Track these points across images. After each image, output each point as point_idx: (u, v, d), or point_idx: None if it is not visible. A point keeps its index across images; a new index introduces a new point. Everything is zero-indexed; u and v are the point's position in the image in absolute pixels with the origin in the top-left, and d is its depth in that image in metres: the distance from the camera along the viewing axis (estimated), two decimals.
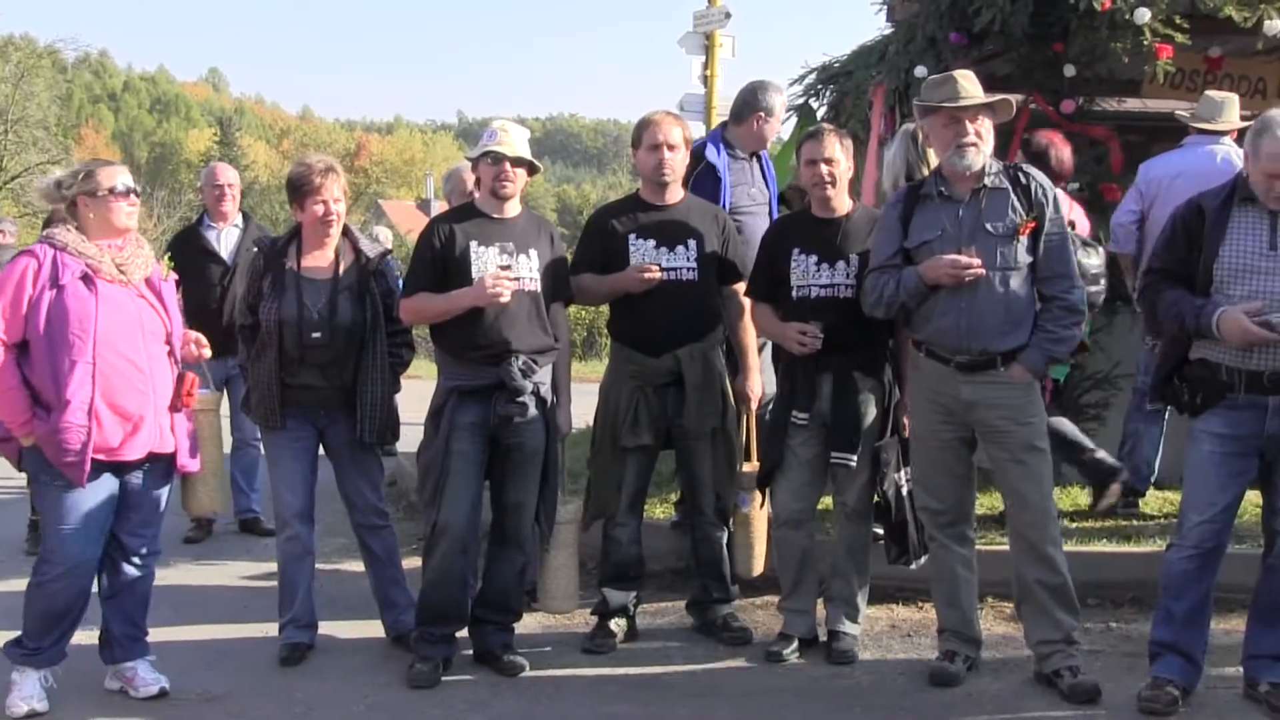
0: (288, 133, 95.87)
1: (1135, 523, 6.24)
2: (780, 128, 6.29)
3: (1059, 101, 7.19)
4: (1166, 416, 6.41)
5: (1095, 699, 4.53)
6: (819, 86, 8.50)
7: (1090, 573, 5.59)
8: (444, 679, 4.85)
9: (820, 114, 8.53)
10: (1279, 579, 4.45)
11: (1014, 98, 5.25)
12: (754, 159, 5.97)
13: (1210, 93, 6.62)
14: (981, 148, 4.65)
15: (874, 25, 9.60)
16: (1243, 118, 6.25)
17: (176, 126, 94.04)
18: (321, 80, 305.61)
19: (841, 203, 5.07)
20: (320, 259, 5.09)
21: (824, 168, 4.98)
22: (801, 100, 8.49)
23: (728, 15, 12.68)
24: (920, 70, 6.92)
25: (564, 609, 5.32)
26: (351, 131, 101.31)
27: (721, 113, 9.77)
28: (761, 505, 5.31)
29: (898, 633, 5.42)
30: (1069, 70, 7.11)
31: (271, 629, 5.24)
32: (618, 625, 5.31)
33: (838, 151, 5.00)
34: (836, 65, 8.49)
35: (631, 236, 5.21)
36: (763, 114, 5.85)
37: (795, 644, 5.12)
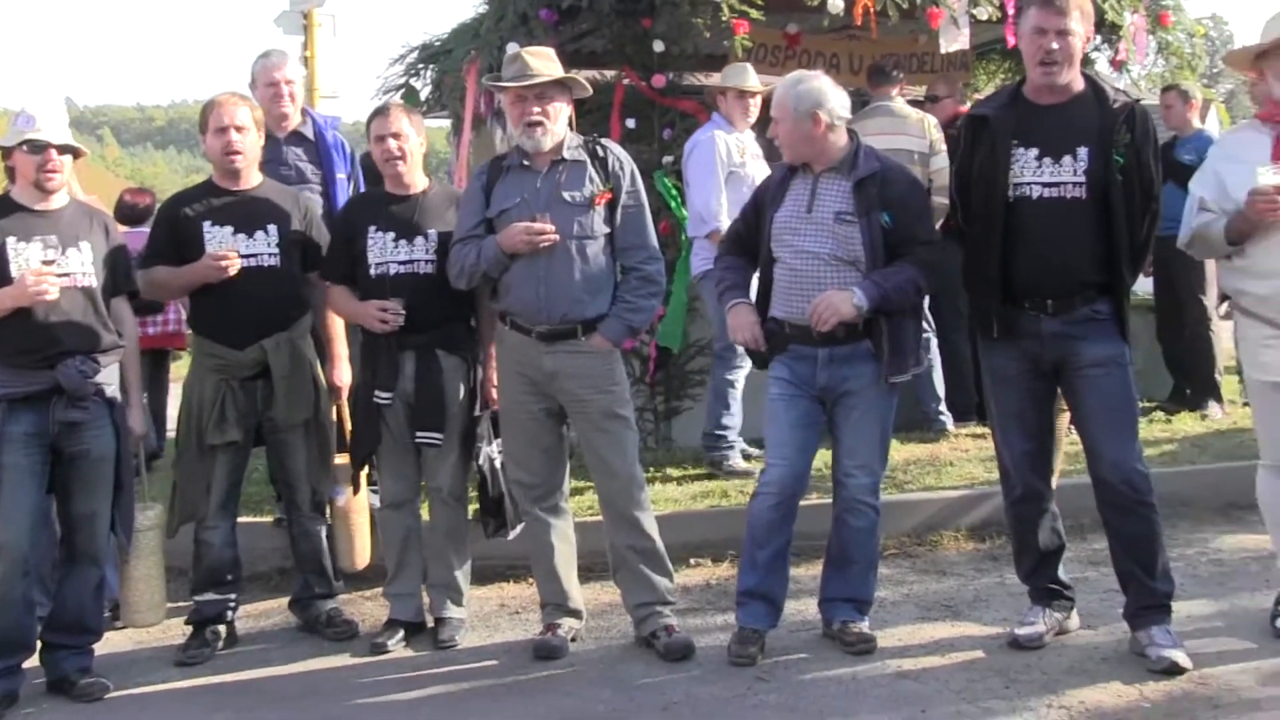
0: None
1: (736, 481, 6.46)
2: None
3: (650, 77, 7.35)
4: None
5: (689, 655, 4.64)
6: (420, 66, 8.38)
7: (692, 533, 5.78)
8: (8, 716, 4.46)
9: (424, 94, 8.43)
10: (846, 528, 4.67)
11: (592, 73, 5.32)
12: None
13: (735, 65, 6.93)
14: (549, 126, 4.67)
15: (473, 2, 9.53)
16: None
17: None
18: None
19: (415, 178, 4.99)
20: None
21: (392, 143, 4.90)
22: (403, 80, 8.36)
23: None
24: (512, 47, 6.91)
25: (150, 621, 5.03)
26: None
27: (324, 94, 9.50)
28: (355, 493, 5.18)
29: (506, 611, 5.40)
30: (658, 46, 7.30)
31: None
32: (214, 632, 5.06)
33: (406, 126, 4.92)
34: (437, 44, 8.40)
35: (206, 224, 4.97)
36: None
37: (401, 632, 5.02)
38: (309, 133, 5.96)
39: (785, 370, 4.61)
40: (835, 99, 4.56)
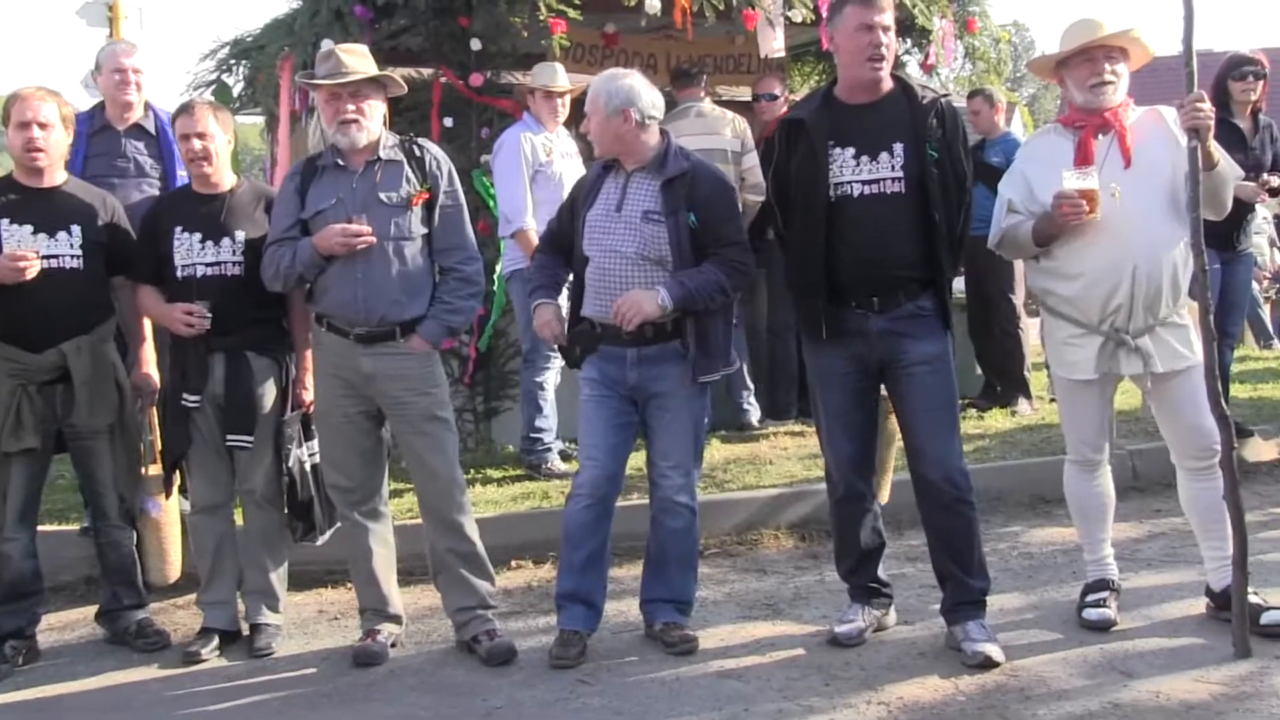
0: None
1: (556, 482, 6.46)
2: None
3: (468, 75, 7.31)
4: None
5: (511, 659, 4.61)
6: (232, 61, 8.17)
7: (513, 535, 5.76)
8: None
9: (237, 90, 8.23)
10: (663, 529, 4.70)
11: (409, 71, 5.26)
12: None
13: (544, 64, 6.96)
14: (364, 124, 4.61)
15: None
16: None
17: None
18: None
19: (223, 178, 4.87)
20: None
21: (197, 143, 4.77)
22: (215, 76, 8.14)
23: None
24: (327, 44, 6.77)
25: None
26: None
27: None
28: (168, 497, 5.02)
29: (325, 617, 5.30)
30: (475, 44, 7.29)
31: None
32: (14, 648, 4.83)
33: (212, 125, 4.80)
34: (249, 39, 8.20)
35: (4, 222, 4.75)
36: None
37: (215, 641, 4.88)
38: (150, 126, 5.78)
39: (595, 371, 4.62)
40: (647, 97, 4.58)
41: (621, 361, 4.58)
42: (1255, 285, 11.62)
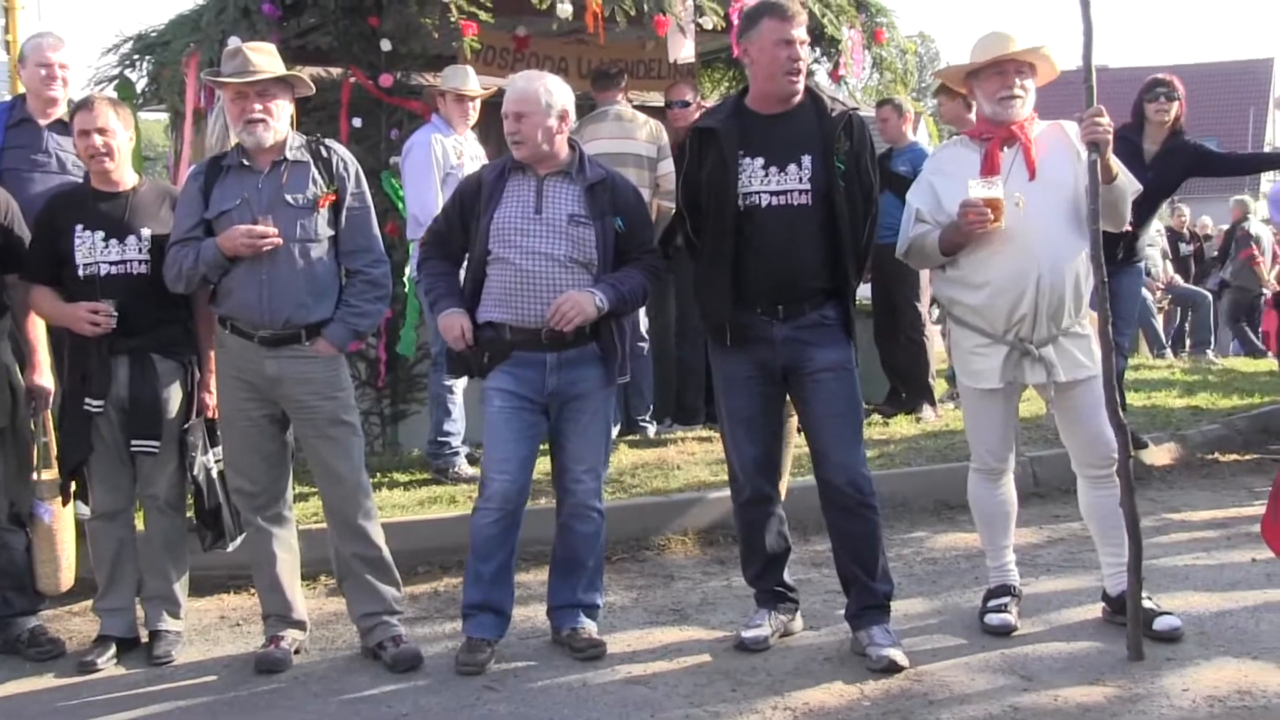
0: None
1: (464, 486, 6.42)
2: None
3: (378, 76, 7.25)
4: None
5: (417, 665, 4.57)
6: (136, 57, 8.00)
7: (420, 540, 5.71)
8: None
9: (140, 86, 8.07)
10: (572, 535, 4.69)
11: (317, 71, 5.20)
12: None
13: (455, 67, 6.94)
14: (271, 124, 4.54)
15: None
16: None
17: None
18: None
19: (124, 175, 4.77)
20: None
21: (97, 139, 4.66)
22: (118, 71, 7.97)
23: None
24: (234, 41, 6.67)
25: None
26: None
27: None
28: (65, 504, 4.90)
29: (227, 623, 5.21)
30: (385, 45, 7.24)
31: None
32: None
33: (113, 120, 4.69)
34: (154, 34, 8.04)
35: None
36: None
37: (113, 649, 4.77)
38: None
39: (508, 380, 4.56)
40: (573, 104, 4.61)
41: (541, 367, 4.54)
42: (1149, 296, 11.92)
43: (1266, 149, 32.50)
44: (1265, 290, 13.42)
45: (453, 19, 6.88)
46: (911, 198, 4.71)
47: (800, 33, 4.35)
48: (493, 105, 6.79)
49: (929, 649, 4.58)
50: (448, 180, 6.52)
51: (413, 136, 6.76)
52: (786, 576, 4.80)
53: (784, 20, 4.34)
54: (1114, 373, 4.49)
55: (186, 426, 4.77)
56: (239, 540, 4.89)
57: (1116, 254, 6.53)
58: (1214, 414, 8.31)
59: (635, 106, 7.77)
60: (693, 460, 6.99)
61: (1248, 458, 7.55)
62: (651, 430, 7.64)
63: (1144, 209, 6.06)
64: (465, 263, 4.70)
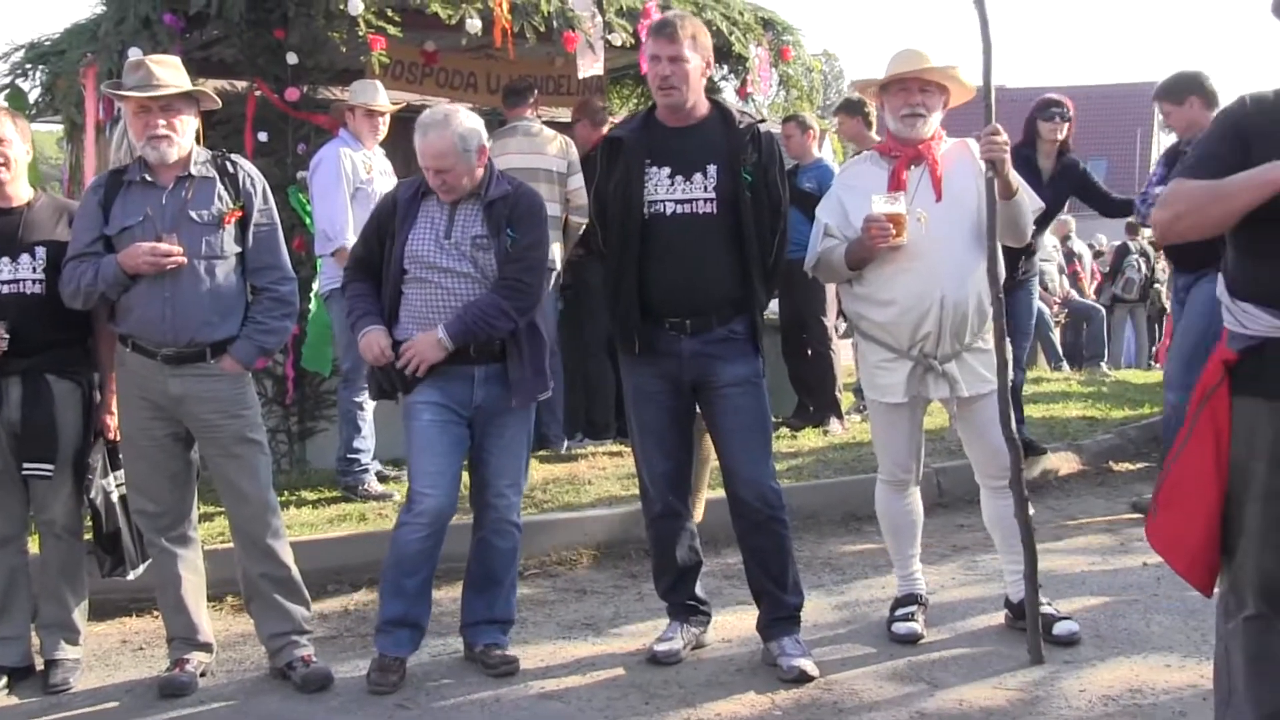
0: None
1: (374, 504, 6.38)
2: None
3: (284, 89, 7.17)
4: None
5: (328, 685, 4.52)
6: (29, 66, 7.87)
7: (329, 558, 5.65)
8: None
9: (33, 96, 7.93)
10: (489, 549, 4.68)
11: (222, 83, 5.14)
12: None
13: (364, 81, 6.90)
14: (176, 139, 4.47)
15: (90, 2, 9.03)
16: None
17: None
18: None
19: (19, 189, 4.63)
20: None
21: None
22: (9, 80, 7.84)
23: None
24: (134, 52, 6.58)
25: None
26: None
27: None
28: None
29: (129, 647, 5.10)
30: (292, 58, 7.15)
31: None
32: None
33: (10, 131, 4.57)
34: (48, 43, 7.91)
35: None
36: None
37: (4, 679, 4.63)
38: None
39: (437, 394, 4.53)
40: (484, 127, 4.62)
41: (469, 380, 4.54)
42: (1046, 310, 12.15)
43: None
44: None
45: (361, 33, 6.85)
46: (820, 213, 4.77)
47: (671, 50, 4.39)
48: (401, 120, 6.81)
49: (838, 658, 4.64)
50: (357, 195, 6.49)
51: (321, 151, 6.71)
52: (698, 590, 4.83)
53: (656, 38, 4.45)
54: (1008, 388, 4.58)
55: (82, 449, 4.66)
56: (141, 569, 4.78)
57: (1017, 271, 6.68)
58: (1108, 424, 8.53)
59: (544, 122, 7.78)
60: (604, 475, 7.00)
61: (1139, 466, 7.76)
62: (561, 445, 7.64)
63: (1039, 225, 6.20)
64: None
